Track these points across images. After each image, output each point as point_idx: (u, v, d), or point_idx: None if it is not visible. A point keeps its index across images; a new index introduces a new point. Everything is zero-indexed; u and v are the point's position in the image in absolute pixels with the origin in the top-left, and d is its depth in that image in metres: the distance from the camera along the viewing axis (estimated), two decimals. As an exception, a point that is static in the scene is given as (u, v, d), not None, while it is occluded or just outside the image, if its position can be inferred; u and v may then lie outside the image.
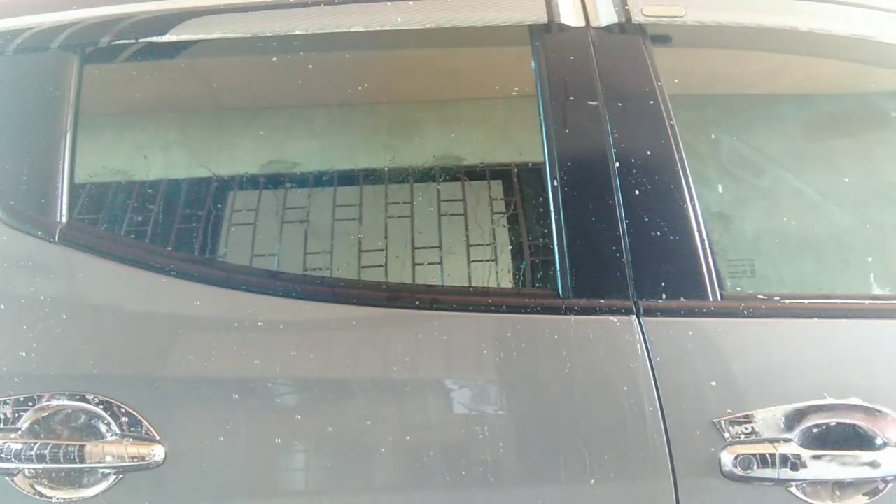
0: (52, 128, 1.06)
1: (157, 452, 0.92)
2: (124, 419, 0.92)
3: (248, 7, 1.17)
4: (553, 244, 1.03)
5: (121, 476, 0.92)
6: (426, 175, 1.17)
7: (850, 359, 1.00)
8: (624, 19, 1.19)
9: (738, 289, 1.11)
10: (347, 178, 1.16)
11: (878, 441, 0.95)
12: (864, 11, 1.27)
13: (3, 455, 0.90)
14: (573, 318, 0.99)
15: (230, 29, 1.15)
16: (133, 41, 1.14)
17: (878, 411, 0.96)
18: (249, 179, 1.17)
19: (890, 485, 0.95)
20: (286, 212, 1.13)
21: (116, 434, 0.92)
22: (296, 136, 1.24)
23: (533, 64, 1.14)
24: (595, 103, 1.09)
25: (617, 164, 1.05)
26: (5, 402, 0.92)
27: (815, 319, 1.02)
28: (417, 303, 1.00)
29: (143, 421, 0.93)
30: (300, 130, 1.25)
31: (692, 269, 1.01)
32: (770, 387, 0.97)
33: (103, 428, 0.93)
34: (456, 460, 0.94)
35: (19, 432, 0.91)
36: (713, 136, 1.29)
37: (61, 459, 0.91)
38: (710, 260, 1.02)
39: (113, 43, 1.14)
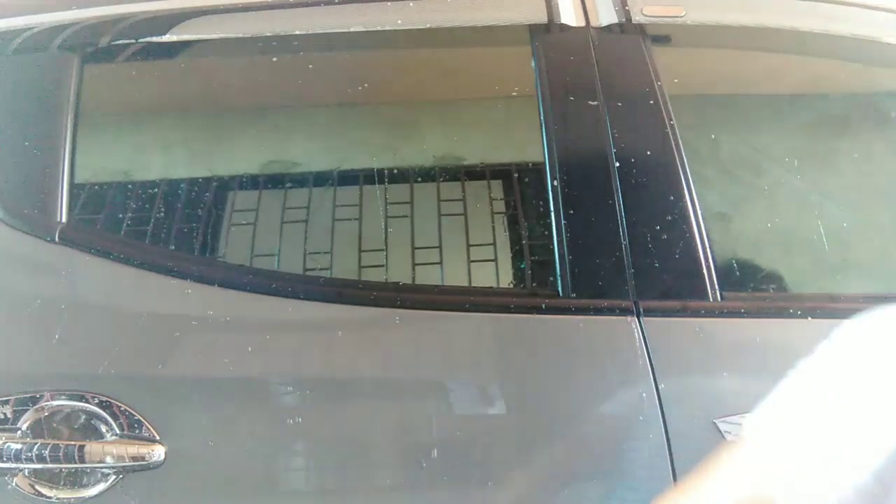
0: (52, 128, 1.06)
1: (157, 452, 0.92)
2: (124, 419, 0.92)
3: (248, 7, 1.17)
4: (553, 244, 1.03)
5: (121, 476, 0.92)
6: (426, 175, 1.17)
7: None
8: (624, 19, 1.19)
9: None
10: (347, 178, 1.16)
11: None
12: (864, 11, 1.26)
13: (3, 455, 0.90)
14: (573, 318, 0.99)
15: (230, 29, 1.15)
16: (133, 41, 1.14)
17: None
18: (249, 179, 1.17)
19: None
20: (286, 212, 1.13)
21: (116, 434, 0.92)
22: (296, 136, 1.24)
23: (533, 64, 1.14)
24: (595, 103, 1.09)
25: (617, 164, 1.05)
26: (5, 402, 0.92)
27: (816, 319, 1.01)
28: (417, 303, 1.00)
29: (144, 421, 0.93)
30: (300, 130, 1.25)
31: (692, 269, 1.01)
32: (770, 387, 0.97)
33: (103, 428, 0.92)
34: (456, 460, 0.94)
35: (19, 432, 0.91)
36: (713, 136, 1.28)
37: (61, 459, 0.90)
38: (710, 260, 1.02)
39: (113, 43, 1.14)
